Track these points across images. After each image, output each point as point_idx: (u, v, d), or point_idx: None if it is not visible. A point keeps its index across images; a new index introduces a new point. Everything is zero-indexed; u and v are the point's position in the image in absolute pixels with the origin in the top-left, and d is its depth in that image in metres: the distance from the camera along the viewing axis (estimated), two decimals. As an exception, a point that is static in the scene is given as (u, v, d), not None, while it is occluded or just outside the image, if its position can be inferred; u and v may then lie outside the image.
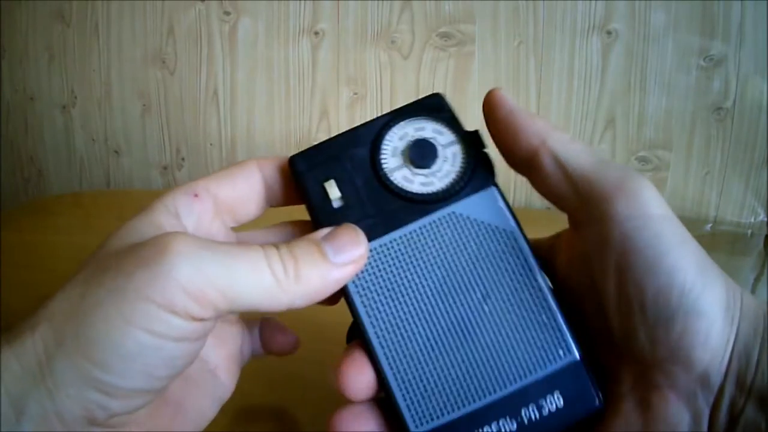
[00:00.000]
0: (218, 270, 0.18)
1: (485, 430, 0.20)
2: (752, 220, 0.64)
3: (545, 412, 0.20)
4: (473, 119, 0.25)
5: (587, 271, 0.21)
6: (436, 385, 0.21)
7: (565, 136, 0.21)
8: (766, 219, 0.63)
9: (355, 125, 0.23)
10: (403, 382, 0.21)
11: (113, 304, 0.17)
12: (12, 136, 0.90)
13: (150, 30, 0.78)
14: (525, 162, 0.21)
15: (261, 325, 0.26)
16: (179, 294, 0.17)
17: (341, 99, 0.73)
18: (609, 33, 0.63)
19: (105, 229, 0.21)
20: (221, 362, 0.23)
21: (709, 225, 0.64)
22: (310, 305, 0.20)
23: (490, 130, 0.22)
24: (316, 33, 0.72)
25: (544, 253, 0.23)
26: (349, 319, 0.22)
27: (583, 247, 0.21)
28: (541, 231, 0.25)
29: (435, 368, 0.21)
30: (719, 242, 0.61)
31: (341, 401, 0.21)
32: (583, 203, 0.21)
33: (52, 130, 0.87)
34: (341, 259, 0.20)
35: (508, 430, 0.20)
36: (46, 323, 0.17)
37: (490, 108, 0.22)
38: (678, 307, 0.19)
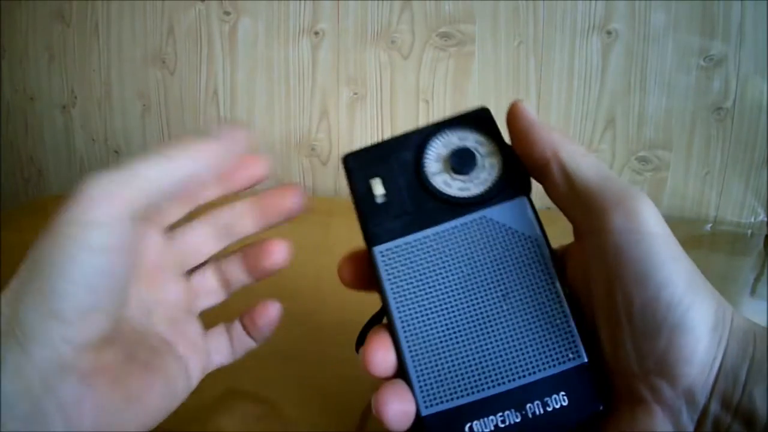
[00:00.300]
0: (122, 174, 0.20)
1: (490, 418, 0.21)
2: (752, 220, 0.64)
3: (549, 409, 0.21)
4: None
5: (587, 281, 0.22)
6: (449, 372, 0.22)
7: (578, 149, 0.22)
8: (766, 219, 0.63)
9: (406, 131, 0.25)
10: (419, 366, 0.22)
11: (51, 244, 0.19)
12: (12, 136, 0.90)
13: (150, 30, 0.78)
14: (538, 170, 0.23)
15: (242, 252, 0.27)
16: (94, 205, 0.19)
17: (341, 99, 0.73)
18: (609, 33, 0.63)
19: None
20: (165, 329, 0.25)
21: (709, 225, 0.64)
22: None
23: (511, 139, 0.24)
24: (316, 33, 0.72)
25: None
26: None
27: (584, 257, 0.22)
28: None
29: (450, 356, 0.22)
30: (719, 242, 0.61)
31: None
32: (584, 214, 0.21)
33: (52, 130, 0.87)
34: (225, 136, 0.23)
35: (511, 421, 0.21)
36: (8, 289, 0.20)
37: (513, 118, 0.23)
38: (664, 321, 0.19)
